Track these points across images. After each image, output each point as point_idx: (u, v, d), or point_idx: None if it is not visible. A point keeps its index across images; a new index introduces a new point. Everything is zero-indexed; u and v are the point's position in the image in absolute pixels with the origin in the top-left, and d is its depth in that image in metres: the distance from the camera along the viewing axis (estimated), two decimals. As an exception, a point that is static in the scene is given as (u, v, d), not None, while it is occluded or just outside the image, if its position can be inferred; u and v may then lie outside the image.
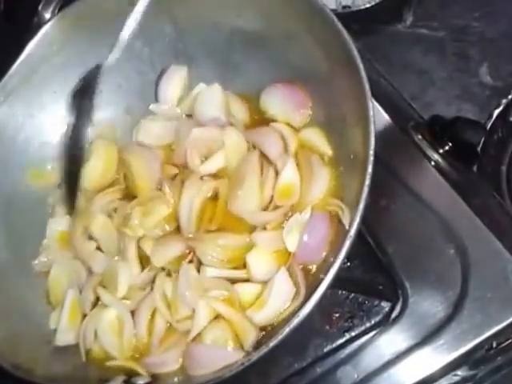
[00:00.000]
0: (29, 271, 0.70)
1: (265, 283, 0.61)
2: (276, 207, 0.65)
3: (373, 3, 0.95)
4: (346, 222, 0.58)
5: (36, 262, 0.71)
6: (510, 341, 0.70)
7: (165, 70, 0.75)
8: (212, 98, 0.72)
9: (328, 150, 0.66)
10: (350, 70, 0.58)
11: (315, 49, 0.64)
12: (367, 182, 0.54)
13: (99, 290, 0.67)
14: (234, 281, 0.63)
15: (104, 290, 0.67)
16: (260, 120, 0.72)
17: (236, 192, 0.65)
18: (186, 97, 0.75)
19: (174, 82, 0.75)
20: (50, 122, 0.74)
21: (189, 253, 0.66)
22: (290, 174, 0.65)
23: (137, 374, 0.62)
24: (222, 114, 0.71)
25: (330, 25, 0.60)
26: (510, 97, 0.90)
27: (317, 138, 0.68)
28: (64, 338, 0.67)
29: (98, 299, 0.68)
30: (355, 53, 0.57)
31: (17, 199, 0.72)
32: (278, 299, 0.59)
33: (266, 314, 0.59)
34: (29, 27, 0.90)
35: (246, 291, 0.62)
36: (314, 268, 0.61)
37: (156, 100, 0.76)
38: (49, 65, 0.71)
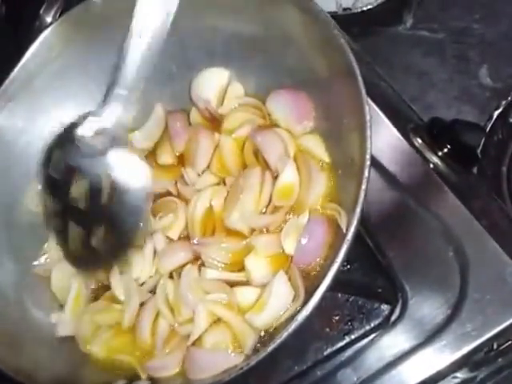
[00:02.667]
0: (30, 275, 0.71)
1: (263, 287, 0.62)
2: (275, 209, 0.65)
3: (373, 5, 0.95)
4: (343, 225, 0.58)
5: (37, 265, 0.71)
6: (510, 342, 0.70)
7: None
8: (212, 81, 0.73)
9: (325, 157, 0.67)
10: (346, 75, 0.58)
11: (313, 54, 0.65)
12: (364, 185, 0.54)
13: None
14: (233, 284, 0.63)
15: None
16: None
17: (231, 211, 0.65)
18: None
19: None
20: (50, 127, 0.73)
21: (195, 259, 0.66)
22: (290, 174, 0.65)
23: (137, 378, 0.63)
24: (213, 100, 0.72)
25: (327, 29, 0.60)
26: (509, 98, 0.91)
27: (315, 144, 0.68)
28: (65, 328, 0.67)
29: (99, 294, 0.69)
30: (351, 57, 0.57)
31: (18, 203, 0.72)
32: (277, 302, 0.59)
33: (265, 317, 0.60)
34: (30, 31, 0.90)
35: (245, 295, 0.62)
36: (312, 271, 0.61)
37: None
38: (49, 70, 0.71)
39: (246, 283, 0.63)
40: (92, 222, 0.58)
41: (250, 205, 0.65)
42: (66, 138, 0.58)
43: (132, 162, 0.56)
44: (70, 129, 0.58)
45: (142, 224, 0.58)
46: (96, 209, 0.58)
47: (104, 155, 0.56)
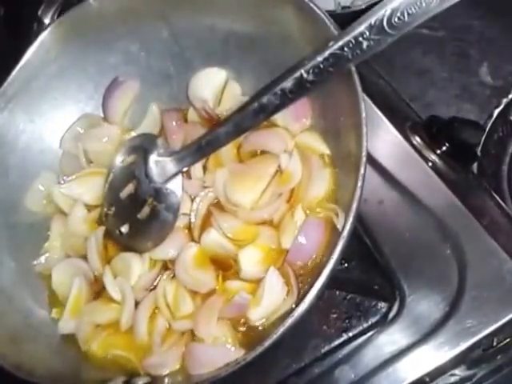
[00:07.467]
0: (31, 274, 0.71)
1: (254, 282, 0.62)
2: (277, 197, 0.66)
3: (371, 4, 0.95)
4: (339, 226, 0.58)
5: (37, 264, 0.72)
6: (509, 339, 0.70)
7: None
8: (209, 81, 0.73)
9: (326, 150, 0.67)
10: (343, 73, 0.58)
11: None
12: (360, 183, 0.54)
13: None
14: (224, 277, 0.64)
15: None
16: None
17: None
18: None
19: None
20: (50, 128, 0.75)
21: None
22: (295, 162, 0.65)
23: (137, 375, 0.63)
24: (211, 100, 0.72)
25: (325, 28, 0.60)
26: (510, 96, 0.90)
27: (314, 139, 0.68)
28: (66, 326, 0.67)
29: (99, 293, 0.69)
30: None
31: (18, 203, 0.73)
32: (271, 297, 0.60)
33: (261, 311, 0.60)
34: (29, 32, 0.91)
35: (235, 287, 0.63)
36: (308, 269, 0.61)
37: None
38: (47, 71, 0.72)
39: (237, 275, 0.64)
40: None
41: (257, 192, 0.66)
42: (146, 151, 0.68)
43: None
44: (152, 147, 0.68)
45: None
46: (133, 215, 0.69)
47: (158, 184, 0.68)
